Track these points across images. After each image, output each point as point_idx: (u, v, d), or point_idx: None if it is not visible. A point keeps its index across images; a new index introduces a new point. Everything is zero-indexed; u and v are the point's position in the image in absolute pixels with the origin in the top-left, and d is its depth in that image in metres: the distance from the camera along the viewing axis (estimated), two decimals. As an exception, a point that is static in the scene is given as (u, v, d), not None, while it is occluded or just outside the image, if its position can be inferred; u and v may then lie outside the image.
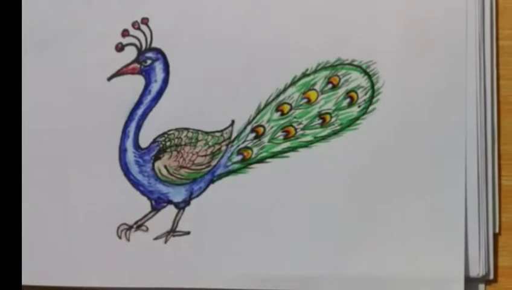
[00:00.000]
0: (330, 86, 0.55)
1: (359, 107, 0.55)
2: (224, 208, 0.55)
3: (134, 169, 0.56)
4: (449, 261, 0.52)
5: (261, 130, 0.56)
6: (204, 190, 0.56)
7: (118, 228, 0.56)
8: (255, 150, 0.56)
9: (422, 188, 0.53)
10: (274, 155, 0.55)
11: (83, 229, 0.56)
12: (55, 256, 0.56)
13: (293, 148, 0.55)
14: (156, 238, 0.55)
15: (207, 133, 0.56)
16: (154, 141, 0.56)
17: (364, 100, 0.55)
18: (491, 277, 0.53)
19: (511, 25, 0.54)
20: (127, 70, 0.57)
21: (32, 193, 0.56)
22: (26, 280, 0.55)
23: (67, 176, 0.56)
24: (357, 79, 0.55)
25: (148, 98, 0.56)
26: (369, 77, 0.55)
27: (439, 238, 0.53)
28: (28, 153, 0.56)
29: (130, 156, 0.56)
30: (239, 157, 0.56)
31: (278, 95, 0.56)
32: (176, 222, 0.55)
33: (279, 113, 0.56)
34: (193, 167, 0.56)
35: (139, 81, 0.57)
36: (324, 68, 0.55)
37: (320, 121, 0.55)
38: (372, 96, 0.55)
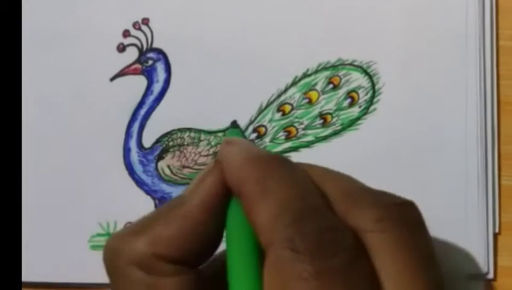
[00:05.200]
0: (331, 86, 0.55)
1: (360, 107, 0.55)
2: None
3: (138, 169, 0.56)
4: (449, 261, 0.52)
5: (262, 130, 0.56)
6: (207, 189, 0.56)
7: (125, 226, 0.56)
8: (257, 150, 0.56)
9: (422, 187, 0.53)
10: (275, 155, 0.56)
11: (86, 226, 0.56)
12: (56, 253, 0.56)
13: (295, 148, 0.55)
14: (159, 236, 0.56)
15: (209, 133, 0.56)
16: (157, 140, 0.57)
17: (365, 100, 0.55)
18: (491, 276, 0.53)
19: (511, 24, 0.54)
20: (128, 71, 0.57)
21: (34, 192, 0.57)
22: (26, 277, 0.56)
23: (71, 175, 0.57)
24: (357, 79, 0.55)
25: (151, 98, 0.57)
26: (370, 77, 0.55)
27: (439, 238, 0.53)
28: (29, 153, 0.57)
29: (134, 155, 0.57)
30: (241, 158, 0.56)
31: (279, 95, 0.56)
32: (179, 221, 0.56)
33: (280, 113, 0.56)
34: (196, 167, 0.56)
35: (141, 81, 0.57)
36: (325, 68, 0.55)
37: (321, 121, 0.55)
38: (372, 97, 0.55)
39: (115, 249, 0.41)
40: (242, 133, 0.55)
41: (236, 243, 0.40)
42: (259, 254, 0.38)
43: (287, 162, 0.41)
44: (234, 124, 0.55)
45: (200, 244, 0.41)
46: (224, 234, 0.42)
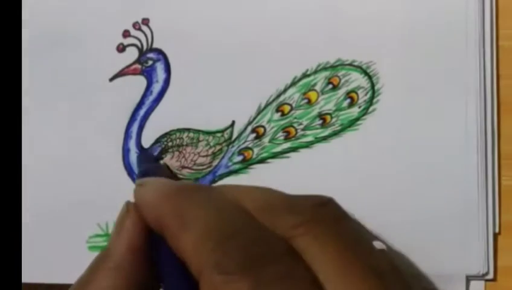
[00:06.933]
0: (330, 86, 0.55)
1: (359, 107, 0.55)
2: (225, 208, 0.55)
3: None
4: (449, 260, 0.52)
5: (261, 130, 0.56)
6: (206, 190, 0.56)
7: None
8: (256, 150, 0.56)
9: (422, 187, 0.53)
10: (275, 155, 0.55)
11: (84, 227, 0.56)
12: (56, 254, 0.56)
13: (294, 149, 0.55)
14: (158, 238, 0.56)
15: (208, 133, 0.56)
16: (157, 141, 0.57)
17: (365, 101, 0.55)
18: (491, 276, 0.53)
19: (511, 24, 0.54)
20: (128, 71, 0.57)
21: (33, 192, 0.57)
22: (26, 278, 0.56)
23: (70, 175, 0.57)
24: (357, 80, 0.55)
25: (150, 99, 0.57)
26: (370, 77, 0.55)
27: (439, 238, 0.53)
28: (29, 153, 0.57)
29: (133, 156, 0.56)
30: (240, 158, 0.56)
31: (278, 96, 0.56)
32: (178, 222, 0.56)
33: (279, 113, 0.56)
34: (194, 167, 0.56)
35: (140, 81, 0.57)
36: (324, 69, 0.55)
37: (320, 121, 0.55)
38: (372, 97, 0.55)
39: None
40: (152, 156, 0.55)
41: (171, 279, 0.40)
42: (196, 284, 0.37)
43: (201, 189, 0.42)
44: (144, 151, 0.55)
45: (141, 289, 0.41)
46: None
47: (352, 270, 0.36)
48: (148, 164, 0.54)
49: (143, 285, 0.41)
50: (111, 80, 0.57)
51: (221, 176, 0.56)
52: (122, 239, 0.42)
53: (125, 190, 0.56)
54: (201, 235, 0.37)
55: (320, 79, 0.55)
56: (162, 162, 0.56)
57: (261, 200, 0.40)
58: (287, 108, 0.56)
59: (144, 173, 0.51)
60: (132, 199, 0.56)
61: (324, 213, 0.38)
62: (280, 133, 0.56)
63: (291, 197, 0.40)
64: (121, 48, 0.57)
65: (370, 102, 0.55)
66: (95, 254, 0.55)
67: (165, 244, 0.40)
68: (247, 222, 0.38)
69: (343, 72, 0.55)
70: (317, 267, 0.36)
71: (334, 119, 0.55)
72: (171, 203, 0.40)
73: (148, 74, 0.57)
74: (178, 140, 0.56)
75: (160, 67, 0.57)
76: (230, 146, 0.56)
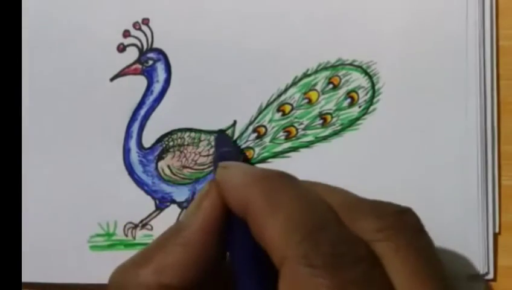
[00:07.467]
0: (331, 86, 0.55)
1: (360, 107, 0.55)
2: (226, 207, 0.55)
3: (138, 169, 0.56)
4: (449, 260, 0.52)
5: (262, 130, 0.56)
6: (207, 189, 0.56)
7: (125, 226, 0.56)
8: (257, 150, 0.56)
9: (422, 188, 0.53)
10: (275, 155, 0.56)
11: (85, 227, 0.56)
12: (57, 253, 0.56)
13: (294, 149, 0.55)
14: (160, 237, 0.56)
15: (210, 133, 0.56)
16: (158, 141, 0.57)
17: (365, 100, 0.55)
18: (491, 276, 0.53)
19: (511, 24, 0.54)
20: (129, 71, 0.57)
21: (33, 192, 0.57)
22: (26, 278, 0.56)
23: (70, 175, 0.57)
24: (357, 79, 0.55)
25: (151, 99, 0.57)
26: (370, 77, 0.55)
27: (439, 238, 0.53)
28: (29, 152, 0.57)
29: (134, 156, 0.57)
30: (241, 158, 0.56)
31: (279, 96, 0.56)
32: (179, 221, 0.56)
33: (280, 113, 0.56)
34: (196, 167, 0.56)
35: (141, 81, 0.57)
36: (325, 68, 0.55)
37: (321, 121, 0.55)
38: (372, 97, 0.55)
39: (120, 283, 0.41)
40: (229, 139, 0.55)
41: (243, 264, 0.39)
42: (268, 272, 0.37)
43: (293, 178, 0.41)
44: (221, 134, 0.55)
45: (204, 270, 0.41)
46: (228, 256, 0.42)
47: (427, 288, 0.36)
48: (226, 147, 0.53)
49: (209, 266, 0.41)
50: (111, 79, 0.57)
51: (222, 176, 0.56)
52: (198, 218, 0.41)
53: (125, 189, 0.56)
54: (290, 224, 0.37)
55: (320, 79, 0.56)
56: (163, 162, 0.56)
57: (344, 198, 0.40)
58: (287, 108, 0.56)
59: (222, 156, 0.50)
60: (132, 199, 0.56)
61: (405, 222, 0.39)
62: (281, 133, 0.56)
63: (372, 201, 0.40)
64: (122, 48, 0.57)
65: (370, 102, 0.55)
66: (96, 253, 0.56)
67: (242, 228, 0.39)
68: (334, 218, 0.38)
69: (343, 71, 0.55)
70: (394, 276, 0.36)
71: (334, 119, 0.55)
72: (260, 187, 0.39)
73: (149, 73, 0.57)
74: (179, 140, 0.56)
75: (160, 67, 0.57)
76: (231, 146, 0.56)
